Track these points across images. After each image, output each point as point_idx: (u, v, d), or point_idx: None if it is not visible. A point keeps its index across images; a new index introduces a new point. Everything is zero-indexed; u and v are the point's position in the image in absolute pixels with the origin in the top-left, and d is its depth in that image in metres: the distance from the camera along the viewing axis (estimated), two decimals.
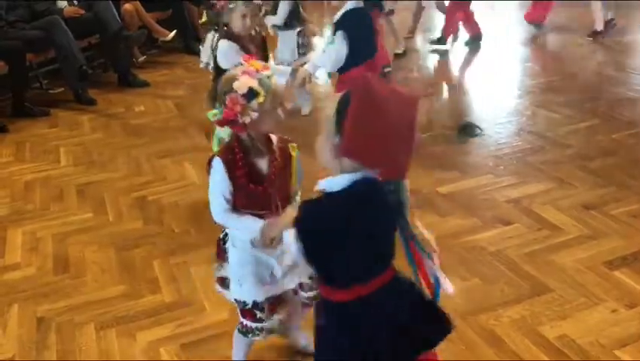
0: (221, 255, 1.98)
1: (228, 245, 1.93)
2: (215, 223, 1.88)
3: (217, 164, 1.77)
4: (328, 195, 1.42)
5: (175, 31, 6.20)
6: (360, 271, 1.47)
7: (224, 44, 2.98)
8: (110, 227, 3.20)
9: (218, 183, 1.78)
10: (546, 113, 4.43)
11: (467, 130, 4.09)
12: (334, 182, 1.41)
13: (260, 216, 1.78)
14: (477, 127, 4.11)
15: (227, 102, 1.67)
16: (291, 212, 1.61)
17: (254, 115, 1.67)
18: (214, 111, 1.72)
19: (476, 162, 3.71)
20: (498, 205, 3.18)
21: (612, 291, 2.46)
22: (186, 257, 2.87)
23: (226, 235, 1.95)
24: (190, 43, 6.57)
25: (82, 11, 5.40)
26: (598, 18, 6.19)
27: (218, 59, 3.04)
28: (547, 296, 2.45)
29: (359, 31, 3.25)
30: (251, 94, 1.65)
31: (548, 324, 2.30)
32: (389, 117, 1.32)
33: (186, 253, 2.91)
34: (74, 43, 5.03)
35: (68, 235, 3.13)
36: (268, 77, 1.69)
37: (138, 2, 6.05)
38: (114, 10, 5.61)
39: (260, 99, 1.66)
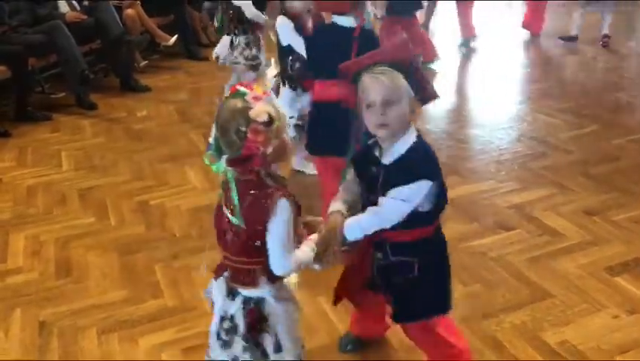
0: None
1: (270, 306, 1.67)
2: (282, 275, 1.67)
3: (286, 204, 1.55)
4: (418, 142, 1.74)
5: (176, 36, 6.22)
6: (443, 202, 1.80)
7: (280, 19, 3.11)
8: (112, 232, 3.21)
9: (290, 227, 1.58)
10: (547, 118, 4.45)
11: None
12: (411, 134, 1.74)
13: None
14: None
15: (248, 135, 1.48)
16: (311, 219, 1.73)
17: (276, 142, 1.52)
18: (216, 165, 1.57)
19: (477, 167, 3.72)
20: (499, 211, 3.19)
21: (613, 297, 2.47)
22: (188, 261, 2.87)
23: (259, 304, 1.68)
24: (191, 47, 6.59)
25: (84, 16, 5.42)
26: (576, 24, 6.37)
27: (279, 34, 3.18)
28: (549, 302, 2.46)
29: None
30: (270, 121, 1.49)
31: (550, 330, 2.30)
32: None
33: (188, 257, 2.91)
34: (76, 48, 5.04)
35: (71, 239, 3.14)
36: (272, 99, 1.57)
37: (139, 7, 6.07)
38: (116, 15, 5.64)
39: (278, 124, 1.51)
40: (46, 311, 2.57)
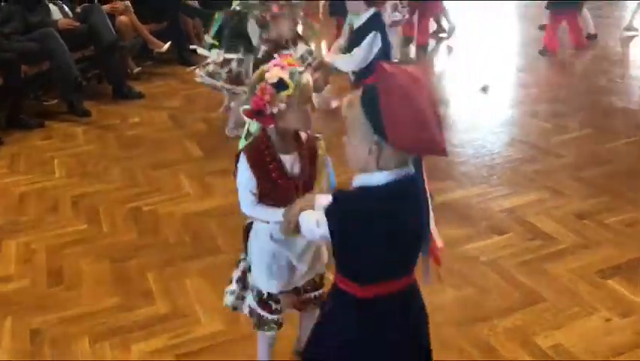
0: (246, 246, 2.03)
1: (251, 236, 1.98)
2: (243, 215, 1.93)
3: (243, 160, 1.84)
4: (366, 189, 1.40)
5: (169, 43, 6.22)
6: (393, 267, 1.47)
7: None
8: (104, 238, 3.20)
9: (245, 179, 1.84)
10: (538, 122, 4.47)
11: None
12: (373, 178, 1.40)
13: None
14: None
15: (257, 91, 1.72)
16: (311, 197, 1.63)
17: (282, 106, 1.71)
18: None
19: (470, 171, 3.73)
20: (492, 215, 3.20)
21: (605, 300, 2.48)
22: (181, 268, 2.87)
23: (250, 225, 1.98)
24: (185, 54, 6.59)
25: (77, 23, 5.41)
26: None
27: None
28: (541, 306, 2.46)
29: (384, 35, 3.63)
30: (281, 85, 1.70)
31: (542, 333, 2.30)
32: (416, 99, 1.33)
33: (181, 263, 2.91)
34: (69, 55, 5.04)
35: (63, 246, 3.13)
36: (300, 72, 1.74)
37: (132, 14, 6.07)
38: (109, 22, 5.64)
39: (290, 91, 1.70)
40: (38, 319, 2.56)
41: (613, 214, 3.11)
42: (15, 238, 3.23)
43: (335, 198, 1.45)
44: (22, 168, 4.17)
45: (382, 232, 1.39)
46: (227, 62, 4.23)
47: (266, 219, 1.87)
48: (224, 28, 4.33)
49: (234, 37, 4.23)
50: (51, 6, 5.48)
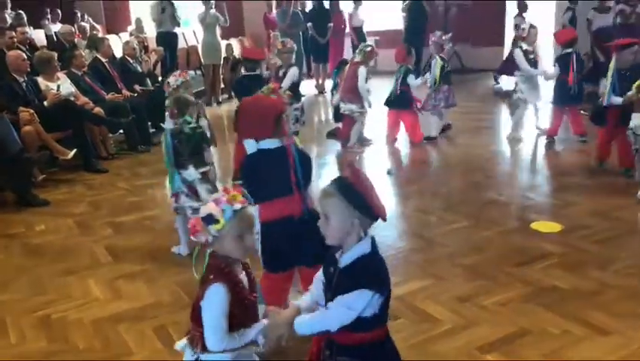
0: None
1: None
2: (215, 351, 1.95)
3: (219, 290, 1.87)
4: (366, 255, 1.95)
5: (75, 150, 6.34)
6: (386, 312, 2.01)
7: None
8: (12, 349, 3.21)
9: (222, 309, 1.87)
10: (424, 216, 4.96)
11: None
12: (363, 246, 1.96)
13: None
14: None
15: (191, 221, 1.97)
16: (290, 310, 1.99)
17: (210, 238, 1.92)
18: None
19: None
20: None
21: None
22: None
23: None
24: (90, 160, 6.72)
25: None
26: (434, 127, 7.40)
27: None
28: None
29: None
30: (210, 219, 1.90)
31: None
32: (370, 182, 2.01)
33: None
34: None
35: None
36: (236, 210, 1.91)
37: (38, 123, 6.17)
38: (14, 131, 5.72)
39: (219, 226, 1.89)
40: None
41: (488, 296, 3.53)
42: None
43: (363, 274, 1.92)
44: None
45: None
46: (203, 177, 4.18)
47: (240, 345, 1.92)
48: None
49: (198, 152, 4.16)
50: None
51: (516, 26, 7.29)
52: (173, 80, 4.69)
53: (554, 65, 6.93)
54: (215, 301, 1.87)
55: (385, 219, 2.01)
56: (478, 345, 3.06)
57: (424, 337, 3.16)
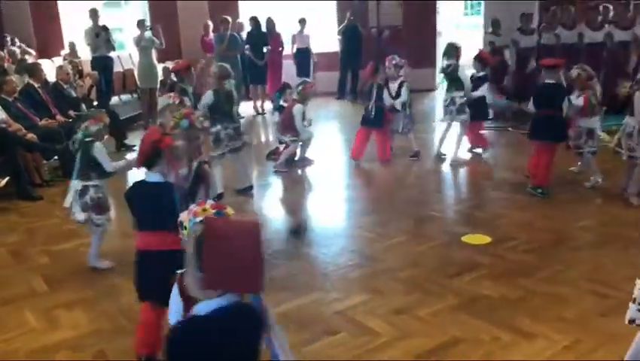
0: None
1: None
2: None
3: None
4: (197, 318, 1.79)
5: (7, 178, 6.18)
6: None
7: None
8: None
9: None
10: (363, 233, 5.10)
11: (297, 233, 4.91)
12: (207, 305, 1.80)
13: None
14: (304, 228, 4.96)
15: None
16: None
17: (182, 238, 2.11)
18: None
19: (306, 281, 4.17)
20: (326, 318, 3.62)
21: None
22: None
23: None
24: (24, 188, 6.55)
25: None
26: (414, 143, 7.60)
27: None
28: None
29: None
30: (181, 225, 2.11)
31: None
32: (233, 248, 1.75)
33: None
34: None
35: None
36: (195, 222, 2.03)
37: None
38: None
39: (185, 234, 2.06)
40: None
41: (423, 308, 3.69)
42: None
43: (171, 332, 1.85)
44: None
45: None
46: (84, 191, 4.39)
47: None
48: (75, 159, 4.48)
49: (85, 165, 4.39)
50: None
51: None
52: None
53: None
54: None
55: (256, 292, 1.94)
56: (415, 354, 3.20)
57: (364, 349, 3.27)
